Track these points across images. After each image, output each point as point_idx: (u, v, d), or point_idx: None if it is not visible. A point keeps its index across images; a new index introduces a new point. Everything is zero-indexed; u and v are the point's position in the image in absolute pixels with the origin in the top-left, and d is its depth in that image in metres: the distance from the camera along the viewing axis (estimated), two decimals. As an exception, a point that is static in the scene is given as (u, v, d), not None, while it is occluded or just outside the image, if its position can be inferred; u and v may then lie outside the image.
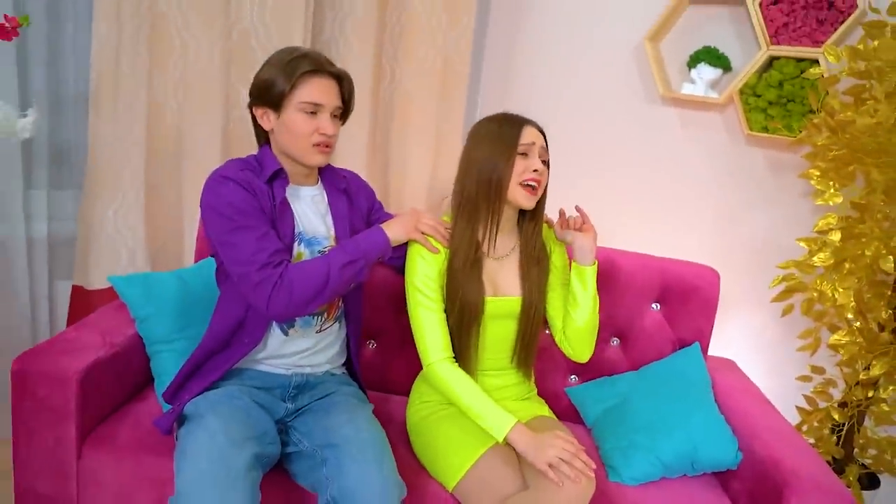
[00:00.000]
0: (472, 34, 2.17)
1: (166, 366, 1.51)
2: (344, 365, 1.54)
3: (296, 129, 1.31)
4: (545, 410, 1.51)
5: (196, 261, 1.79)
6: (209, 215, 1.29)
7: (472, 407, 1.30)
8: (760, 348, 2.10)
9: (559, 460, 1.20)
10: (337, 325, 1.46)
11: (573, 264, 1.42)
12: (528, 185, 1.33)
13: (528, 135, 1.34)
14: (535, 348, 1.47)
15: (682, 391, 1.63)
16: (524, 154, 1.34)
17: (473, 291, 1.36)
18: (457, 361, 1.38)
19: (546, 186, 1.40)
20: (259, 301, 1.25)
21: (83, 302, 2.06)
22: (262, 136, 1.41)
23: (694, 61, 2.02)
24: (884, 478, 1.86)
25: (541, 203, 1.40)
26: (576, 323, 1.41)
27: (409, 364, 1.76)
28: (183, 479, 1.11)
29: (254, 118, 1.38)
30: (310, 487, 1.27)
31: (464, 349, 1.38)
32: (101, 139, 1.96)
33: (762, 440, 1.48)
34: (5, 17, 1.29)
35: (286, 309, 1.26)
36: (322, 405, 1.38)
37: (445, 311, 1.38)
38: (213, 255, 1.42)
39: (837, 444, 1.76)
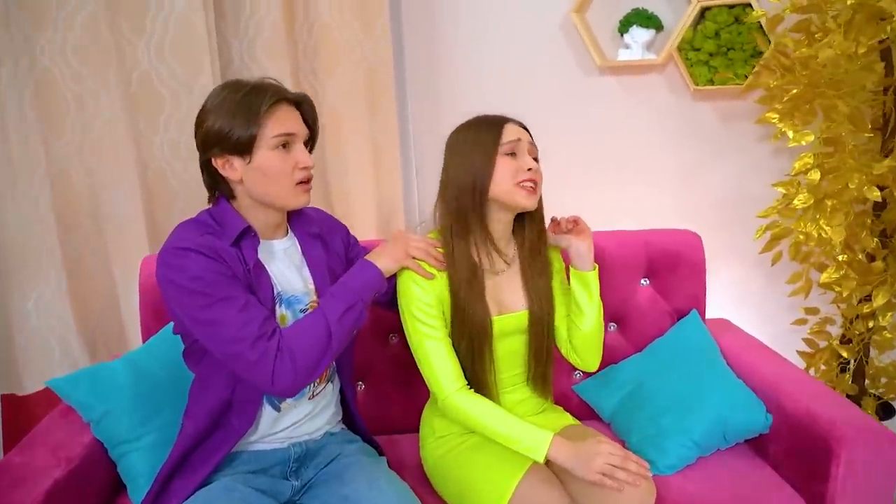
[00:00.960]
0: (390, 39, 2.04)
1: (138, 467, 1.30)
2: (341, 420, 1.38)
3: (273, 170, 1.13)
4: (569, 418, 1.40)
5: (144, 339, 1.57)
6: (174, 294, 1.10)
7: (502, 433, 1.18)
8: (746, 301, 2.07)
9: (611, 467, 1.09)
10: (330, 385, 1.30)
11: (572, 270, 1.31)
12: (525, 186, 1.21)
13: (510, 132, 1.22)
14: (551, 361, 1.35)
15: (693, 363, 1.57)
16: (512, 154, 1.21)
17: (479, 313, 1.23)
18: (472, 386, 1.25)
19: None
20: (261, 379, 1.08)
21: (19, 412, 1.81)
22: (221, 190, 1.21)
23: (625, 25, 1.96)
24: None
25: (539, 203, 1.28)
26: (581, 330, 1.31)
27: (407, 398, 1.63)
28: None
29: (209, 171, 1.18)
30: None
31: (479, 373, 1.25)
32: (3, 224, 1.72)
33: (788, 395, 1.43)
34: None
35: (294, 381, 1.09)
36: (332, 473, 1.21)
37: (451, 336, 1.25)
38: (177, 333, 1.23)
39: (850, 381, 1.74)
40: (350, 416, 1.38)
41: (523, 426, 1.17)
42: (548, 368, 1.34)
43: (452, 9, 2.07)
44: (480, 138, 1.21)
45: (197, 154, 1.19)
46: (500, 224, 1.27)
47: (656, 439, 1.43)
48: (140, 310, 1.57)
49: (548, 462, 1.16)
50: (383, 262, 1.21)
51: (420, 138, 2.19)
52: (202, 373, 1.21)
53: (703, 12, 1.87)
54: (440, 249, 1.25)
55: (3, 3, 1.66)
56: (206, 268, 1.08)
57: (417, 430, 1.45)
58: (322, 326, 1.12)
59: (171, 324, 1.49)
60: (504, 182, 1.20)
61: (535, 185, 1.22)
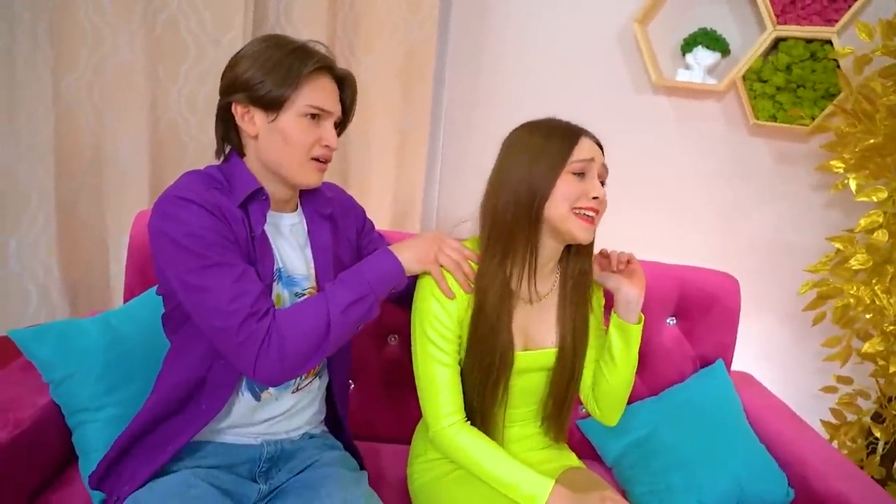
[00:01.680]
0: (436, 22, 1.91)
1: (93, 441, 1.18)
2: (324, 421, 1.25)
3: (294, 137, 1.02)
4: (573, 459, 1.27)
5: (126, 299, 1.44)
6: (165, 248, 0.97)
7: (498, 476, 1.05)
8: (772, 357, 1.93)
9: None
10: (318, 380, 1.17)
11: (613, 317, 1.15)
12: (584, 215, 1.05)
13: (584, 149, 1.05)
14: (571, 406, 1.20)
15: (713, 418, 1.44)
16: (580, 174, 1.05)
17: (503, 345, 1.08)
18: (474, 421, 1.11)
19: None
20: (244, 362, 0.95)
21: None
22: (231, 143, 1.09)
23: (689, 45, 1.83)
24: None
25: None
26: (609, 382, 1.17)
27: (399, 405, 1.51)
28: None
29: (225, 119, 1.07)
30: None
31: (487, 408, 1.11)
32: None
33: (815, 470, 1.30)
34: None
35: (280, 371, 0.96)
36: (305, 481, 1.08)
37: (462, 362, 1.11)
38: (160, 294, 1.10)
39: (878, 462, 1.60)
40: (335, 418, 1.24)
41: (522, 471, 1.04)
42: (566, 413, 1.20)
43: (506, 0, 1.95)
44: (549, 147, 1.04)
45: (214, 111, 1.07)
46: (547, 250, 1.10)
47: (663, 495, 1.31)
48: (126, 267, 1.45)
49: None
50: (407, 257, 1.07)
51: (452, 132, 2.06)
52: (178, 342, 1.09)
53: (777, 43, 1.73)
54: (473, 265, 1.10)
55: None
56: (206, 225, 0.96)
57: (404, 441, 1.32)
58: (322, 314, 0.99)
59: (146, 292, 1.38)
60: (562, 205, 1.03)
61: (595, 215, 1.06)
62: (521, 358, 1.11)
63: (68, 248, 1.78)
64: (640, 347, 1.18)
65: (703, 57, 1.82)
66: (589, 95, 1.95)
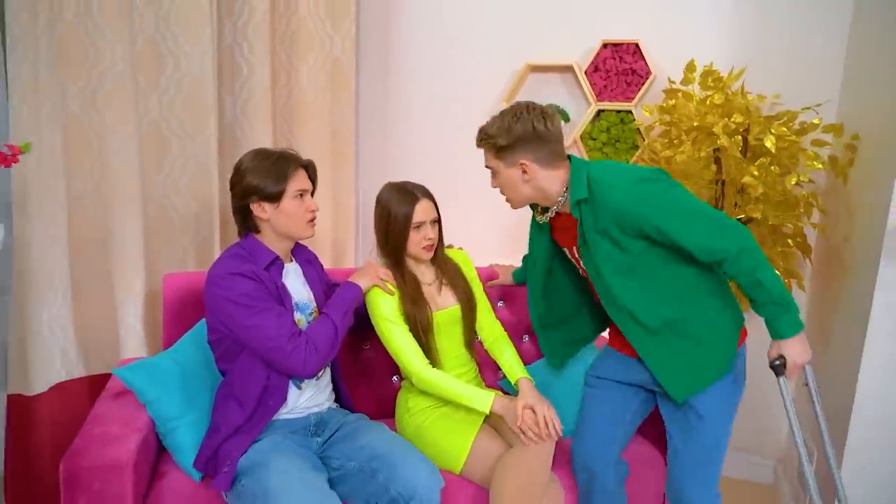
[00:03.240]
0: (354, 38, 2.50)
1: (184, 439, 1.66)
2: (335, 401, 1.84)
3: (293, 212, 1.62)
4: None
5: (166, 345, 1.91)
6: (224, 308, 1.53)
7: (460, 394, 1.69)
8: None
9: (525, 426, 1.61)
10: (327, 370, 1.78)
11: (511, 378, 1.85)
12: (426, 247, 1.79)
13: (420, 212, 1.77)
14: (475, 331, 1.93)
15: (575, 364, 2.04)
16: (417, 227, 1.77)
17: (423, 312, 1.76)
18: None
19: (441, 232, 1.86)
20: (296, 364, 1.52)
21: (24, 410, 2.02)
22: (248, 226, 1.67)
23: (542, 116, 2.60)
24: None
25: (439, 243, 1.87)
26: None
27: (375, 393, 2.08)
28: None
29: (243, 213, 1.64)
30: (364, 502, 1.54)
31: (429, 353, 1.77)
32: (25, 240, 1.96)
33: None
34: (7, 146, 1.38)
35: (320, 363, 1.55)
36: (345, 433, 1.67)
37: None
38: (212, 340, 1.63)
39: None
40: (340, 397, 1.84)
41: (474, 389, 1.71)
42: (474, 335, 1.94)
43: (405, 72, 2.64)
44: (399, 214, 1.76)
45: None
46: (412, 261, 1.86)
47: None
48: (164, 317, 1.92)
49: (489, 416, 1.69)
50: (363, 281, 1.73)
51: (369, 133, 2.73)
52: (238, 370, 1.60)
53: (599, 113, 2.55)
54: (390, 285, 1.78)
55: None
56: (251, 287, 1.53)
57: (382, 416, 1.92)
58: (331, 325, 1.60)
59: (193, 329, 1.86)
60: (414, 246, 1.80)
61: (431, 244, 1.80)
62: (437, 316, 1.80)
63: (81, 316, 2.14)
64: (524, 325, 1.93)
65: (552, 124, 2.60)
66: (476, 152, 2.65)
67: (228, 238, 2.40)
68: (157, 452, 1.69)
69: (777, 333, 1.51)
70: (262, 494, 1.40)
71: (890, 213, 1.75)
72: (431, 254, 1.82)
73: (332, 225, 2.60)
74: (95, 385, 2.18)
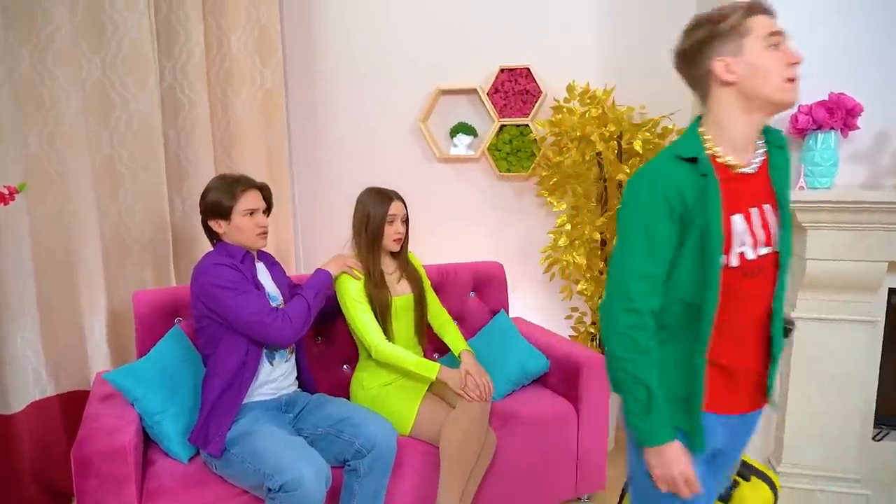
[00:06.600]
0: (282, 70, 2.84)
1: (169, 429, 1.90)
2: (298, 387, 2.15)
3: (244, 227, 1.93)
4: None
5: (140, 353, 2.15)
6: (212, 293, 1.82)
7: (412, 361, 2.06)
8: (537, 307, 3.18)
9: (467, 387, 2.01)
10: (292, 356, 2.08)
11: (455, 350, 2.25)
12: (396, 241, 2.16)
13: (394, 208, 2.15)
14: (426, 322, 2.30)
15: (503, 340, 2.53)
16: (391, 222, 2.14)
17: (384, 295, 2.12)
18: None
19: (407, 232, 2.22)
20: (275, 333, 1.83)
21: (4, 428, 2.19)
22: (213, 238, 1.98)
23: (454, 132, 3.01)
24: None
25: (405, 242, 2.23)
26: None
27: (331, 376, 2.38)
28: (272, 466, 1.64)
29: (208, 227, 1.95)
30: (332, 460, 1.86)
31: (386, 333, 2.13)
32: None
33: (557, 349, 2.47)
34: (5, 186, 1.60)
35: (295, 334, 1.87)
36: (311, 406, 2.00)
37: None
38: (199, 326, 1.91)
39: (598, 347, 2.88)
40: (304, 381, 2.15)
41: (423, 359, 2.08)
42: (424, 327, 2.29)
43: (335, 107, 2.98)
44: (377, 213, 2.13)
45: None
46: (385, 255, 2.22)
47: (495, 379, 2.36)
48: (137, 329, 2.15)
49: (433, 385, 2.07)
50: (331, 268, 2.07)
51: (300, 149, 3.07)
52: (221, 350, 1.89)
53: (502, 127, 2.99)
54: (357, 271, 2.13)
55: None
56: (234, 274, 1.85)
57: (338, 394, 2.22)
58: (304, 303, 1.94)
59: (165, 336, 2.11)
60: (388, 239, 2.15)
61: (400, 240, 2.16)
62: (396, 300, 2.16)
63: (49, 338, 2.34)
64: (460, 311, 2.36)
65: (463, 139, 3.01)
66: (399, 166, 3.05)
67: (183, 256, 2.67)
68: (144, 445, 1.94)
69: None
70: (251, 453, 1.69)
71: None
72: (399, 247, 2.18)
73: (273, 237, 2.91)
74: (66, 401, 2.38)
